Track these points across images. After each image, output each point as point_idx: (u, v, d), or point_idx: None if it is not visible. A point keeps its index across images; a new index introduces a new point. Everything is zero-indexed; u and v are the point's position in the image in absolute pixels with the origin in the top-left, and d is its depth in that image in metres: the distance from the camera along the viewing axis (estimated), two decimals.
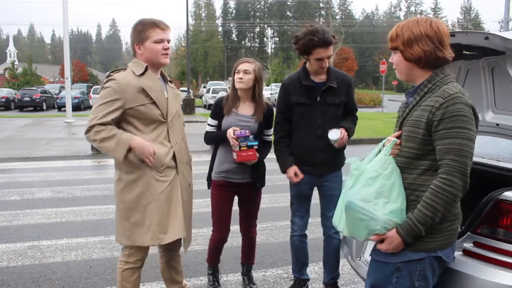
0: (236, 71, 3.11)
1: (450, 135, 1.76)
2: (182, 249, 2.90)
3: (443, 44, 1.85)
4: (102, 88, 2.51)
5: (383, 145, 2.01)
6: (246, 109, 3.16)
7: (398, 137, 1.96)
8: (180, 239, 2.80)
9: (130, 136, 2.47)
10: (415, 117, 1.87)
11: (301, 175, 3.08)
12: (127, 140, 2.45)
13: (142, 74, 2.54)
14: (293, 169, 3.10)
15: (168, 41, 2.62)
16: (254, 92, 3.13)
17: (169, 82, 2.76)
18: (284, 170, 3.15)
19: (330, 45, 2.92)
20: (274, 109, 3.25)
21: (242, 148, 3.00)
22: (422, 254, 1.85)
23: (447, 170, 1.76)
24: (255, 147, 3.03)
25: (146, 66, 2.56)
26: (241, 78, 3.07)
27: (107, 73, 2.57)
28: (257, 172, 3.19)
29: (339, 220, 2.03)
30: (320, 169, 3.10)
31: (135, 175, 2.53)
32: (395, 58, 1.94)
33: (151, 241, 2.57)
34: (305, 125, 3.08)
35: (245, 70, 3.07)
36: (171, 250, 2.88)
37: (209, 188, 3.30)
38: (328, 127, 3.03)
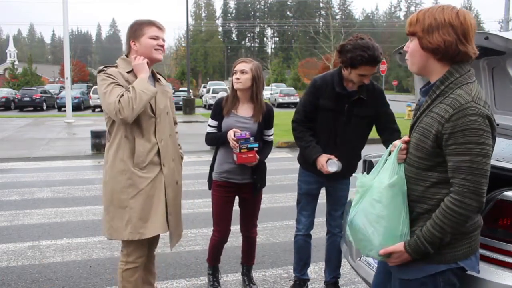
0: (234, 71, 3.11)
1: (461, 152, 1.60)
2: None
3: (468, 37, 1.65)
4: (100, 80, 2.56)
5: (389, 153, 1.89)
6: (245, 110, 3.15)
7: (407, 142, 1.81)
8: (158, 239, 2.87)
9: (137, 80, 2.56)
10: (424, 124, 1.71)
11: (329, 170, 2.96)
12: (137, 80, 2.54)
13: (130, 71, 2.62)
14: (325, 156, 2.96)
15: (163, 40, 2.67)
16: (253, 93, 3.12)
17: (158, 80, 2.81)
18: (314, 159, 2.98)
19: (379, 63, 2.84)
20: (275, 109, 3.23)
21: (242, 150, 3.00)
22: (442, 266, 1.72)
23: (458, 190, 1.62)
24: (256, 149, 3.03)
25: None
26: (238, 79, 3.06)
27: (100, 68, 2.63)
28: (257, 173, 3.19)
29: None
30: (332, 175, 3.00)
31: (117, 169, 2.58)
32: (411, 45, 1.74)
33: (130, 235, 2.59)
34: (326, 130, 3.02)
35: (242, 70, 3.06)
36: (148, 250, 2.88)
37: (209, 189, 3.30)
38: (350, 137, 3.00)
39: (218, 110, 3.18)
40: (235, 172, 3.15)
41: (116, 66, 2.65)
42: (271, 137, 3.30)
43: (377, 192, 1.78)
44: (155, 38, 2.61)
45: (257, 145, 3.03)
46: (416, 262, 1.74)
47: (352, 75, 2.86)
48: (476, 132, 1.58)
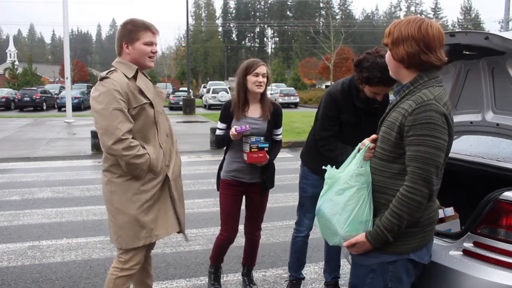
0: (254, 73, 3.03)
1: (418, 142, 1.75)
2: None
3: (430, 48, 1.80)
4: (103, 91, 2.38)
5: (359, 150, 2.00)
6: (253, 111, 3.15)
7: (375, 140, 1.96)
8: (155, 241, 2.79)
9: (150, 159, 2.51)
10: (391, 118, 1.87)
11: None
12: (148, 161, 2.50)
13: (134, 76, 2.50)
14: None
15: (156, 45, 2.60)
16: (263, 93, 3.13)
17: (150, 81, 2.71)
18: None
19: (395, 83, 2.73)
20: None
21: (253, 150, 3.00)
22: (394, 256, 1.86)
23: (411, 178, 1.77)
24: (266, 149, 3.03)
25: (137, 69, 2.52)
26: (260, 82, 3.04)
27: (102, 75, 2.47)
28: (267, 173, 3.19)
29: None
30: None
31: (126, 177, 2.50)
32: (387, 55, 1.94)
33: (146, 239, 2.55)
34: (349, 142, 2.87)
35: (263, 74, 3.05)
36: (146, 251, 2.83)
37: (218, 189, 3.29)
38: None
39: (226, 114, 3.18)
40: (244, 172, 3.16)
41: (115, 70, 2.49)
42: (280, 136, 3.30)
43: (343, 182, 1.92)
44: (150, 44, 2.53)
45: (267, 145, 3.04)
46: (373, 250, 1.88)
47: (366, 90, 2.77)
48: (434, 126, 1.74)
